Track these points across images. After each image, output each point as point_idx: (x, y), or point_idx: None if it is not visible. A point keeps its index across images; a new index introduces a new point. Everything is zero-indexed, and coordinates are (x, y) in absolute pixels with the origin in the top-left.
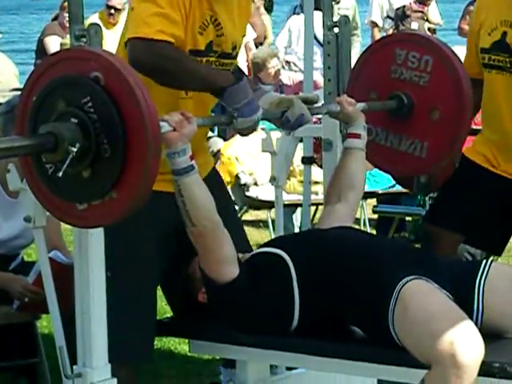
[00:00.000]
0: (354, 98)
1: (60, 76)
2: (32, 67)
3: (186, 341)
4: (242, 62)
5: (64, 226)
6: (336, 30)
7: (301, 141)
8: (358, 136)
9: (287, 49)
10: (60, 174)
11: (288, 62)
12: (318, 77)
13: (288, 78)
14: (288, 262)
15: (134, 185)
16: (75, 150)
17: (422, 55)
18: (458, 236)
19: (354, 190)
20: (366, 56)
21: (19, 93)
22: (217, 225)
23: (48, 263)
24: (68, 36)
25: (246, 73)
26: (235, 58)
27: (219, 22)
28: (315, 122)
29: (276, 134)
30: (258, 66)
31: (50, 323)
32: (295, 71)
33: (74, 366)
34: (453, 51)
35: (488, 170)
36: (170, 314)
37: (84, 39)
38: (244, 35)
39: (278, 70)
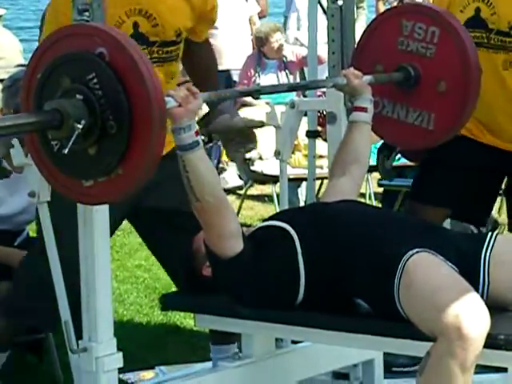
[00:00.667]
0: (360, 70)
1: (64, 53)
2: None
3: (191, 315)
4: (247, 36)
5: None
6: (340, 2)
7: (305, 114)
8: (364, 109)
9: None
10: (66, 151)
11: (297, 39)
12: (323, 52)
13: (292, 52)
14: (293, 236)
15: (140, 161)
16: (81, 126)
17: (429, 26)
18: (444, 210)
19: (358, 163)
20: (371, 28)
21: (22, 68)
22: (221, 200)
23: (53, 238)
24: None
25: (251, 47)
26: (181, 42)
27: (151, 14)
28: (319, 96)
29: (280, 108)
30: (261, 41)
31: None
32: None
33: (80, 341)
34: (459, 22)
35: (472, 140)
36: (175, 288)
37: (87, 13)
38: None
39: (282, 44)
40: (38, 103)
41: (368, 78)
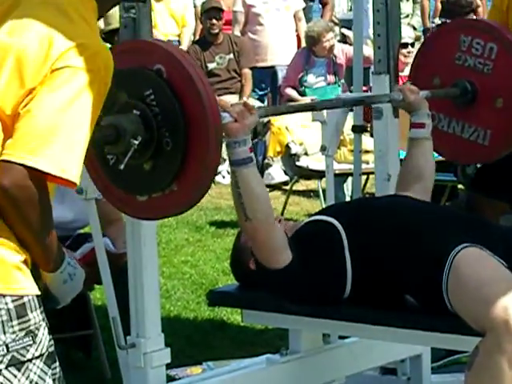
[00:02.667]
0: (417, 84)
1: (122, 68)
2: None
3: (238, 311)
4: (292, 32)
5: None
6: None
7: (351, 109)
8: (422, 125)
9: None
10: (122, 166)
11: (344, 35)
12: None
13: (341, 51)
14: (340, 231)
15: (195, 177)
16: (137, 142)
17: (487, 42)
18: (503, 205)
19: (421, 179)
20: (429, 41)
21: None
22: (269, 215)
23: (101, 235)
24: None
25: (296, 43)
26: None
27: None
28: (365, 91)
29: None
30: (312, 40)
31: (103, 295)
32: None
33: (128, 337)
34: None
35: None
36: (222, 284)
37: (133, 10)
38: None
39: (333, 44)
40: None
41: (425, 93)
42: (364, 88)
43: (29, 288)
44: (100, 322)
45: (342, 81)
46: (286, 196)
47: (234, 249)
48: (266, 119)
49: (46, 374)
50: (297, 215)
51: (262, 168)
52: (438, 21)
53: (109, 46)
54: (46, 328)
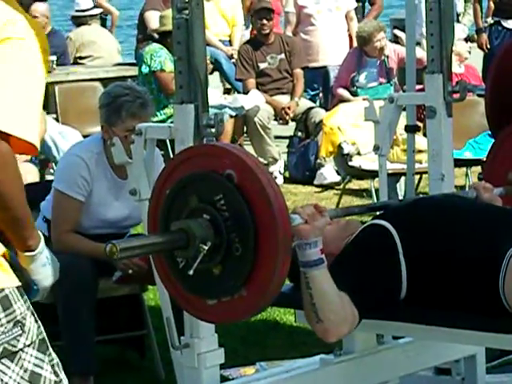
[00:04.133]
0: (490, 180)
1: (194, 171)
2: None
3: (291, 311)
4: (344, 32)
5: None
6: None
7: (404, 109)
8: None
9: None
10: (191, 272)
11: (396, 36)
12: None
13: (393, 52)
14: (394, 235)
15: (264, 283)
16: (206, 248)
17: None
18: None
19: None
20: (503, 136)
21: (118, 82)
22: (342, 318)
23: None
24: (168, 8)
25: (348, 43)
26: None
27: None
28: (419, 90)
29: (379, 103)
30: (363, 40)
31: (156, 295)
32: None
33: (182, 337)
34: None
35: None
36: None
37: (186, 11)
38: None
39: (384, 44)
40: (166, 218)
41: (499, 190)
42: (417, 87)
43: (8, 281)
44: (153, 322)
45: (395, 80)
46: (339, 196)
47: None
48: (317, 120)
49: (42, 361)
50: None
51: (315, 168)
52: (490, 20)
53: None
54: (33, 316)
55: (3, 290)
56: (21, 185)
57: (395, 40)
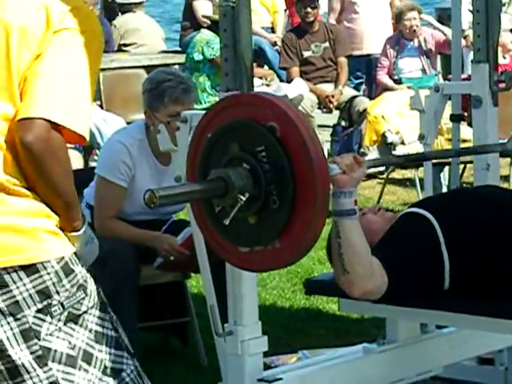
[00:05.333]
0: None
1: (238, 119)
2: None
3: (334, 300)
4: (388, 20)
5: None
6: None
7: (449, 98)
8: None
9: None
10: (227, 221)
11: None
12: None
13: (430, 35)
14: (435, 226)
15: (298, 238)
16: (244, 198)
17: None
18: None
19: None
20: None
21: (161, 68)
22: (369, 273)
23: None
24: None
25: (392, 31)
26: None
27: None
28: (464, 79)
29: (424, 92)
30: (397, 18)
31: (199, 282)
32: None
33: (225, 325)
34: None
35: None
36: (317, 273)
37: None
38: None
39: (416, 25)
40: (206, 163)
41: None
42: (463, 76)
43: (66, 249)
44: (196, 309)
45: (439, 70)
46: (382, 185)
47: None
48: (361, 108)
49: (104, 320)
50: (393, 204)
51: None
52: None
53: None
54: (92, 279)
55: (63, 258)
56: (70, 172)
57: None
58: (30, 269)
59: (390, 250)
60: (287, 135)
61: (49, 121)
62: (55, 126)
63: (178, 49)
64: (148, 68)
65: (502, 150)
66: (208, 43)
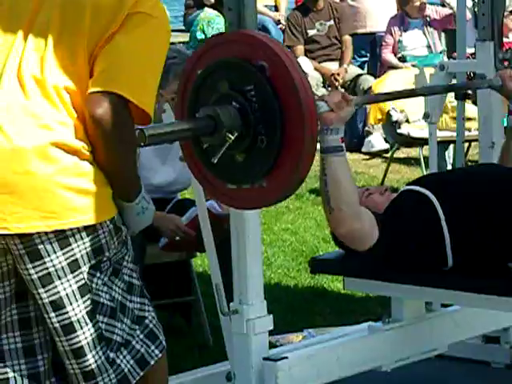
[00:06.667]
0: None
1: (228, 57)
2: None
3: (339, 278)
4: None
5: None
6: None
7: (454, 76)
8: None
9: None
10: (215, 160)
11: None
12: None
13: (435, 11)
14: (434, 202)
15: (285, 178)
16: (233, 138)
17: None
18: None
19: None
20: None
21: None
22: (353, 208)
23: (204, 202)
24: None
25: (396, 9)
26: None
27: None
28: (468, 57)
29: (429, 70)
30: (404, 0)
31: (204, 262)
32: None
33: (231, 303)
34: None
35: None
36: (322, 251)
37: None
38: None
39: (424, 3)
40: (195, 102)
41: None
42: (468, 53)
43: (114, 209)
44: (201, 288)
45: (444, 48)
46: (387, 164)
47: None
48: (366, 87)
49: (133, 271)
50: (397, 183)
51: (363, 136)
52: None
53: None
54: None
55: (113, 218)
56: (134, 146)
57: (442, 4)
58: (91, 229)
59: (389, 226)
60: (277, 75)
61: (119, 96)
62: (124, 102)
63: (183, 27)
64: None
65: (488, 86)
66: (209, 22)
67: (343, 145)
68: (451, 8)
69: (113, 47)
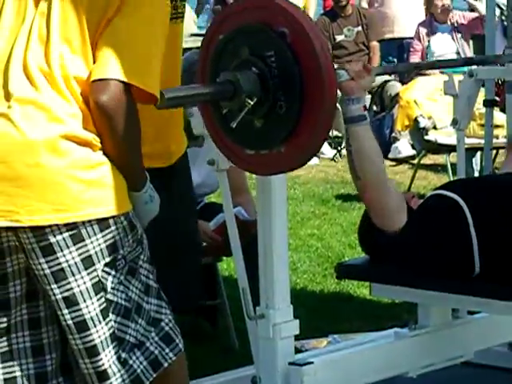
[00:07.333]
0: None
1: (250, 22)
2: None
3: (365, 284)
4: (418, 3)
5: None
6: None
7: (483, 85)
8: None
9: None
10: (234, 124)
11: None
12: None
13: (463, 17)
14: (464, 208)
15: (303, 145)
16: (252, 103)
17: None
18: None
19: None
20: None
21: (195, 50)
22: (381, 181)
23: (232, 207)
24: None
25: (424, 15)
26: None
27: None
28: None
29: (458, 77)
30: (429, 1)
31: (230, 265)
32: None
33: (257, 308)
34: None
35: None
36: (348, 257)
37: None
38: None
39: (448, 5)
40: (215, 68)
41: None
42: None
43: (129, 204)
44: (227, 292)
45: (472, 54)
46: (414, 170)
47: (363, 221)
48: (393, 93)
49: (150, 272)
50: (424, 189)
51: (390, 142)
52: None
53: None
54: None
55: (128, 213)
56: (139, 133)
57: (471, 10)
58: (104, 223)
59: (416, 230)
60: (297, 41)
61: (122, 82)
62: (127, 87)
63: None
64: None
65: (501, 62)
66: None
67: (366, 113)
68: (479, 12)
69: (112, 32)
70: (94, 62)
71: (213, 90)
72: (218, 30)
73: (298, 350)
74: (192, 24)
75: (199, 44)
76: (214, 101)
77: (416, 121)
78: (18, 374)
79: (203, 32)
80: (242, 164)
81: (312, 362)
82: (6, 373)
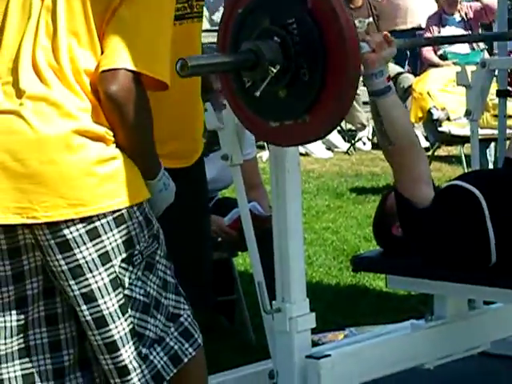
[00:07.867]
0: None
1: None
2: None
3: (381, 277)
4: None
5: (259, 165)
6: None
7: (495, 74)
8: None
9: None
10: (257, 93)
11: None
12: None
13: (469, 8)
14: (480, 199)
15: (328, 112)
16: (275, 70)
17: None
18: None
19: None
20: None
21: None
22: (414, 143)
23: (246, 201)
24: None
25: (437, 6)
26: None
27: None
28: (509, 54)
29: (471, 67)
30: None
31: (245, 261)
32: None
33: (273, 302)
34: None
35: None
36: (363, 250)
37: None
38: None
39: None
40: (237, 38)
41: None
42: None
43: (146, 192)
44: (243, 287)
45: (483, 45)
46: (428, 162)
47: (378, 214)
48: (406, 85)
49: (167, 267)
50: (438, 181)
51: None
52: None
53: None
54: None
55: (144, 208)
56: (151, 121)
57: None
58: (119, 219)
59: (433, 220)
60: (318, 7)
61: (131, 70)
62: (137, 76)
63: None
64: None
65: None
66: None
67: (390, 83)
68: (481, 2)
69: (118, 22)
70: (102, 50)
71: (235, 58)
72: (237, 4)
73: (314, 344)
74: (205, 20)
75: (211, 40)
76: (237, 70)
77: (429, 112)
78: (36, 369)
79: (216, 28)
80: (266, 137)
81: (329, 355)
82: (24, 369)
